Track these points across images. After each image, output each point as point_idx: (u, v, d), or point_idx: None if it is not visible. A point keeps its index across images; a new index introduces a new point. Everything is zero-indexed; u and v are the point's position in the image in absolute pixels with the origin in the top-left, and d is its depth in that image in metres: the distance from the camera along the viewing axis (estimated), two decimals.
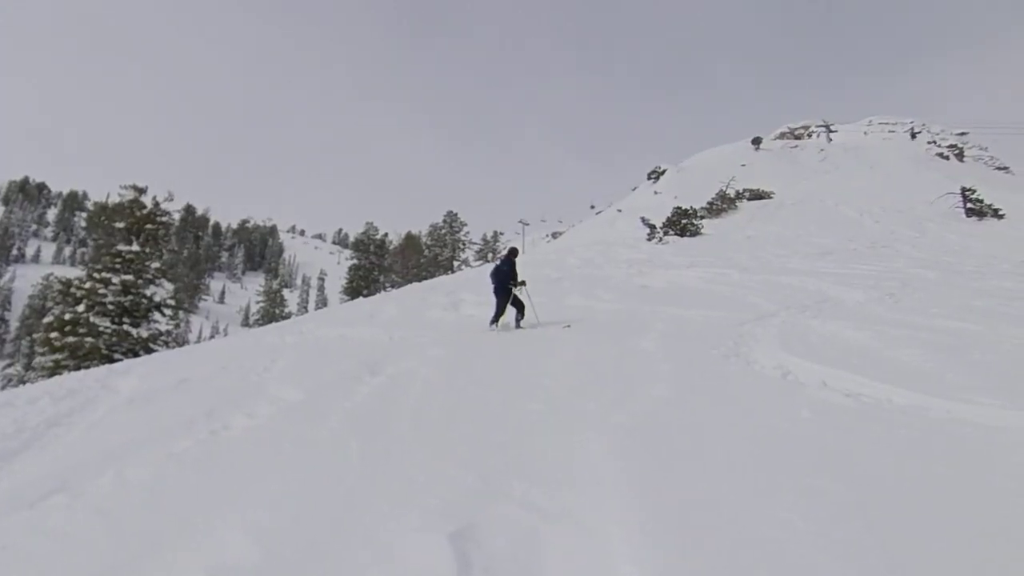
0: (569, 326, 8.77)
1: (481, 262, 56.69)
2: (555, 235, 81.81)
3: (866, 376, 5.13)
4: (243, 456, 4.25)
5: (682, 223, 26.81)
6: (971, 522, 2.67)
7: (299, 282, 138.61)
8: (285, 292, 72.58)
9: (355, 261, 49.21)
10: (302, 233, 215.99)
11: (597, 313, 10.23)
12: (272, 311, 59.32)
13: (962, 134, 65.88)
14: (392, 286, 46.71)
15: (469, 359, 7.28)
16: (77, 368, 15.75)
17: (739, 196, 39.07)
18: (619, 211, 51.47)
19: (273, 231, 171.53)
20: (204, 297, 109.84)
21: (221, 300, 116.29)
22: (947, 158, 57.79)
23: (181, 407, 5.84)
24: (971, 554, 2.41)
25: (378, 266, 48.68)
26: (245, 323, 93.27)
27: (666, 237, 25.89)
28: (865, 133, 68.30)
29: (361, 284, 45.98)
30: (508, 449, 3.91)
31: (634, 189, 67.29)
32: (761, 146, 67.48)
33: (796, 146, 67.41)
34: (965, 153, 60.96)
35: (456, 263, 56.10)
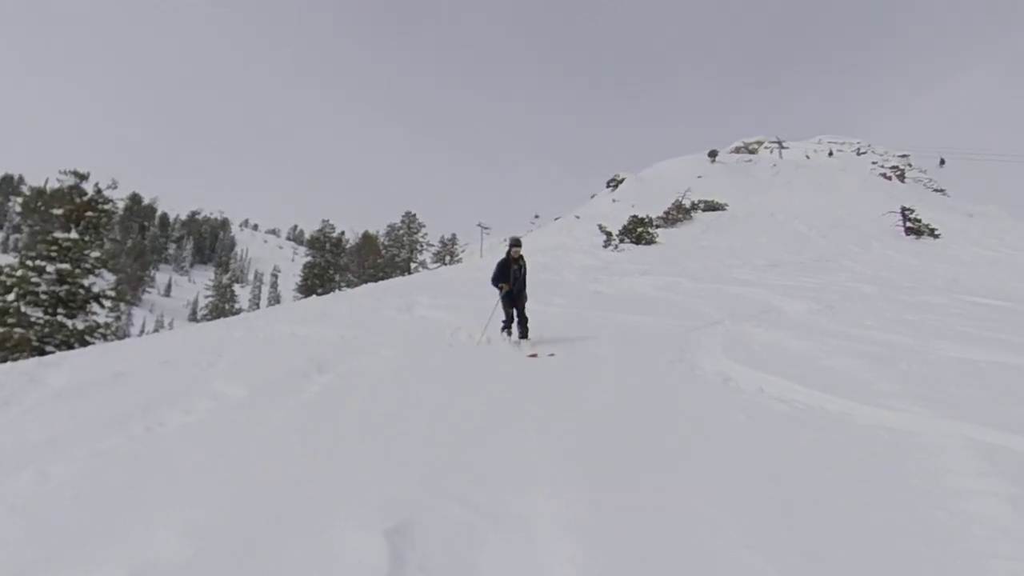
0: (553, 355, 7.37)
1: (439, 264, 56.37)
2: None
3: (802, 384, 5.33)
4: (179, 453, 4.12)
5: (638, 231, 27.31)
6: (881, 518, 2.81)
7: (251, 278, 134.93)
8: (236, 287, 70.67)
9: (310, 259, 48.30)
10: (256, 228, 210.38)
11: (549, 317, 10.32)
12: (221, 306, 57.63)
13: (903, 156, 69.14)
14: (347, 285, 46.00)
15: (420, 360, 7.24)
16: (4, 360, 14.97)
17: (694, 207, 40.03)
18: (577, 218, 52.03)
19: (225, 224, 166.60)
20: (148, 289, 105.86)
21: (167, 293, 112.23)
22: (889, 178, 60.56)
23: (115, 402, 5.61)
24: (880, 547, 2.55)
25: (334, 264, 47.89)
26: (192, 318, 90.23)
27: (622, 245, 26.32)
28: (815, 151, 70.93)
29: (316, 282, 45.14)
30: (453, 449, 3.92)
31: (593, 196, 68.16)
32: (717, 159, 69.33)
33: (750, 160, 69.52)
34: (906, 175, 64.00)
35: (413, 264, 55.63)
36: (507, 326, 8.47)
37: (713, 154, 70.29)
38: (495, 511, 2.97)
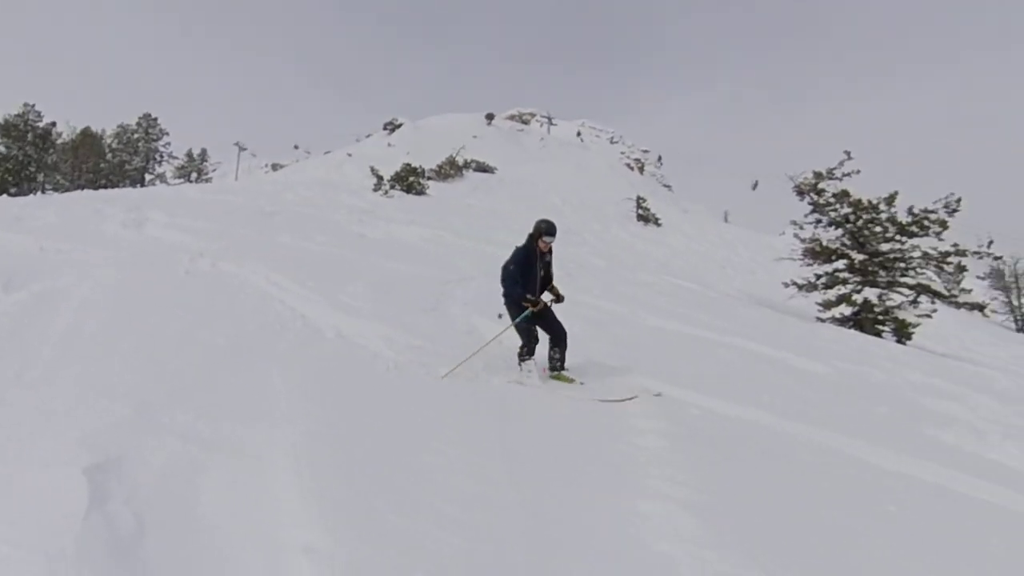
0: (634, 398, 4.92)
1: (182, 180, 49.53)
2: (275, 167, 75.49)
3: None
4: None
5: (410, 180, 27.27)
6: (576, 446, 3.41)
7: None
8: None
9: (2, 149, 38.58)
10: None
11: (309, 255, 9.90)
12: None
13: (645, 151, 79.68)
14: (56, 189, 37.98)
15: (145, 285, 6.39)
16: None
17: (467, 165, 41.27)
18: (349, 156, 49.96)
19: None
20: None
21: None
22: (632, 169, 69.42)
23: None
24: (567, 471, 3.10)
25: (37, 161, 38.98)
26: None
27: (392, 191, 26.10)
28: (578, 132, 77.75)
29: (8, 179, 36.36)
30: (177, 379, 3.62)
31: (368, 136, 65.91)
32: (493, 123, 72.08)
33: (522, 130, 73.67)
34: (645, 168, 73.99)
35: (149, 176, 48.01)
36: (529, 352, 5.43)
37: (490, 117, 72.82)
38: (220, 443, 2.86)
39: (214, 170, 56.38)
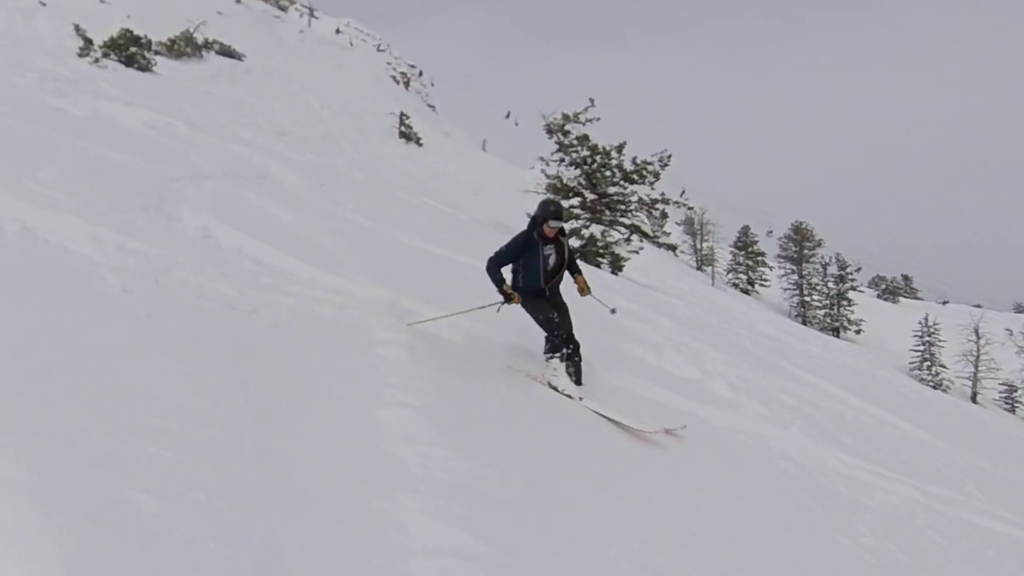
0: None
1: None
2: None
3: (281, 249, 5.70)
4: None
5: (131, 51, 22.63)
6: (318, 362, 3.42)
7: None
8: None
9: None
10: None
11: None
12: None
13: (412, 66, 77.64)
14: None
15: None
16: None
17: (208, 45, 35.61)
18: (43, 3, 39.29)
19: None
20: None
21: None
22: (398, 82, 67.24)
23: None
24: (305, 387, 3.12)
25: None
26: None
27: (106, 60, 21.44)
28: (337, 30, 72.10)
29: None
30: None
31: None
32: (244, 1, 62.85)
33: (279, 16, 65.60)
34: (411, 84, 72.28)
35: None
36: (556, 347, 4.83)
37: None
38: None
39: None
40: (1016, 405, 38.51)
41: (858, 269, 46.78)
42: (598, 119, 17.48)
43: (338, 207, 9.53)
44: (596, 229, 16.24)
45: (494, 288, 4.65)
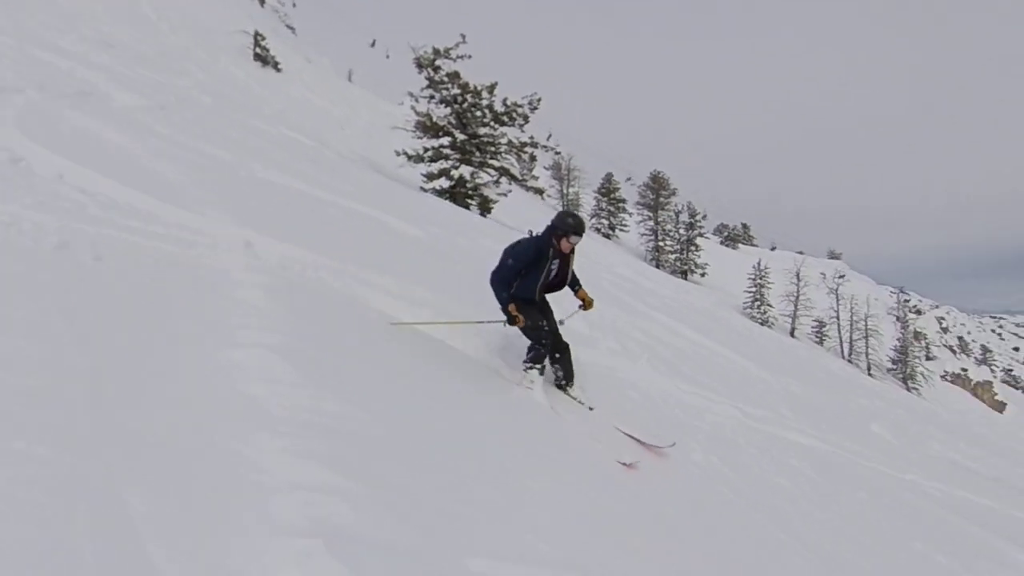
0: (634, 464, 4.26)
1: None
2: None
3: (113, 178, 5.08)
4: None
5: None
6: (178, 312, 3.16)
7: None
8: None
9: None
10: None
11: None
12: None
13: None
14: None
15: None
16: None
17: None
18: None
19: None
20: None
21: None
22: None
23: None
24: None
25: None
26: None
27: None
28: None
29: None
30: None
31: None
32: None
33: None
34: (267, 1, 65.51)
35: None
36: (539, 357, 4.62)
37: None
38: None
39: None
40: (824, 338, 45.12)
41: (704, 216, 50.87)
42: (469, 56, 17.10)
43: (182, 133, 8.61)
44: (466, 170, 16.14)
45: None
